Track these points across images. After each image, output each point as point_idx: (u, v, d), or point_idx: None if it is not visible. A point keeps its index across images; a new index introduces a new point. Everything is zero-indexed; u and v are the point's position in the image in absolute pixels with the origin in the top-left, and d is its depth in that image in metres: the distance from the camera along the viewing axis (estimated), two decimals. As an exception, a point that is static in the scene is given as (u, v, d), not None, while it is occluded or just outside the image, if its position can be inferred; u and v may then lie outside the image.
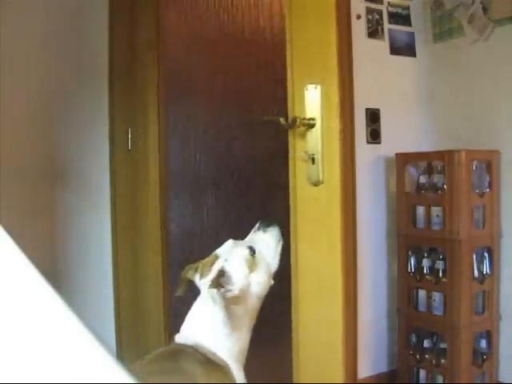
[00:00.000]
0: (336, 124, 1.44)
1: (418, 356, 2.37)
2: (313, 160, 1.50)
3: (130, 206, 2.04)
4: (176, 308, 2.13)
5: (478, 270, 2.28)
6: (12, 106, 1.84)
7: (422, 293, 2.37)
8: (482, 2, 2.42)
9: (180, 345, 1.22)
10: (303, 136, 1.50)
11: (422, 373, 2.39)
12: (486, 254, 2.31)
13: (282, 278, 1.43)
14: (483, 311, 2.33)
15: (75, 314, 0.41)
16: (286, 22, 1.63)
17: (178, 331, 1.26)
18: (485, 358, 2.31)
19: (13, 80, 1.85)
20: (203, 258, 1.32)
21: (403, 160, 2.43)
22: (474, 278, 2.26)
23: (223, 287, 1.18)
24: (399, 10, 2.63)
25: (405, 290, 2.43)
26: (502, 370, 2.37)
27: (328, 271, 1.64)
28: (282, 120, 1.51)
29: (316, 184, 1.54)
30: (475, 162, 2.27)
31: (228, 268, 1.23)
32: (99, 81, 2.00)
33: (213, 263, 1.27)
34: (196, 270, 1.31)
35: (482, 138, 2.44)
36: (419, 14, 2.69)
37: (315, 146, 1.48)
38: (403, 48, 2.64)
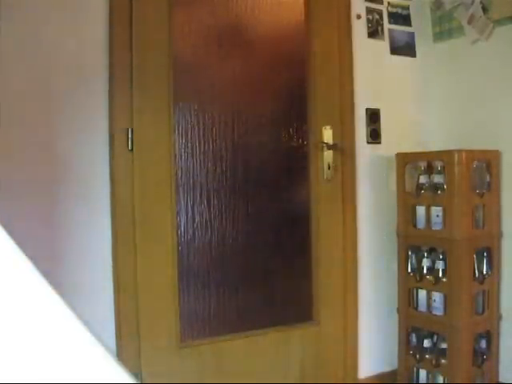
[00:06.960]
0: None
1: (417, 356, 2.37)
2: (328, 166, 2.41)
3: (131, 207, 2.03)
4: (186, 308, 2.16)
5: (478, 269, 2.28)
6: (11, 107, 1.84)
7: (422, 293, 2.37)
8: (481, 2, 2.42)
9: None
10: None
11: (422, 373, 2.39)
12: (486, 254, 2.31)
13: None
14: (483, 311, 2.33)
15: (75, 314, 0.41)
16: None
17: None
18: (485, 358, 2.31)
19: (11, 80, 1.85)
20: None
21: (403, 160, 2.43)
22: (474, 278, 2.26)
23: None
24: (399, 10, 2.63)
25: (405, 290, 2.43)
26: (502, 370, 2.37)
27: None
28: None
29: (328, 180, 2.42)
30: (475, 162, 2.27)
31: None
32: (99, 80, 2.00)
33: None
34: None
35: (482, 137, 2.44)
36: (419, 14, 2.69)
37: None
38: (403, 48, 2.64)
